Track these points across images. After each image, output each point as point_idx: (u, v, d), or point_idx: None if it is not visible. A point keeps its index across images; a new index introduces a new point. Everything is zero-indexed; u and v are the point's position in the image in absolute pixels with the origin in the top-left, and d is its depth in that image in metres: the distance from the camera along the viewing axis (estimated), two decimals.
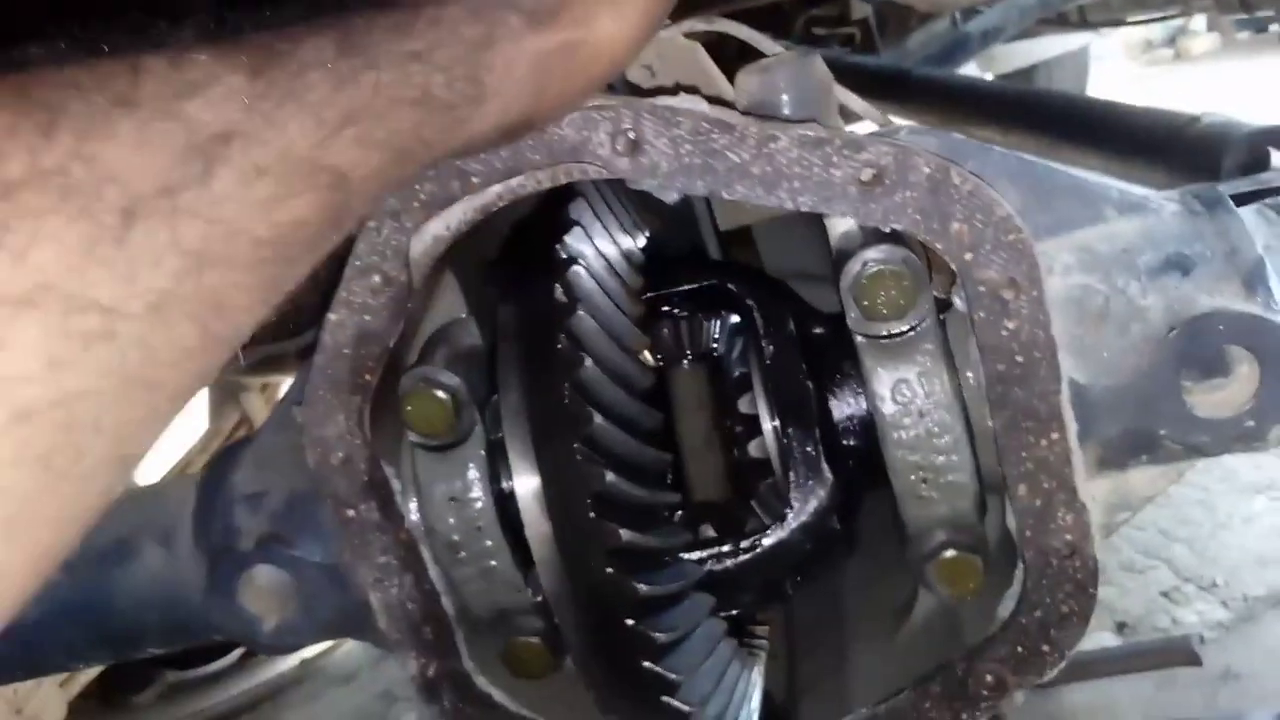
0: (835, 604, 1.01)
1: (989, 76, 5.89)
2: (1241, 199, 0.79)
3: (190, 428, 2.18)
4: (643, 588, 0.65)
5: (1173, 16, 2.50)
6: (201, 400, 2.25)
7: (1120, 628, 1.88)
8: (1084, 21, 3.12)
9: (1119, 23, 2.89)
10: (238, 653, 1.93)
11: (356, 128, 0.49)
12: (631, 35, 0.63)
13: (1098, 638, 1.86)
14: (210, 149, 0.44)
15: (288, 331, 1.32)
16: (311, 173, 0.47)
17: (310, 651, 1.80)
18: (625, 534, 0.64)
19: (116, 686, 1.79)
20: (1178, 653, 1.67)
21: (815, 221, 0.96)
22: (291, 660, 1.80)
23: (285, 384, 2.13)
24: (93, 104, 0.41)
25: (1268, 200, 0.77)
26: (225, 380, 2.12)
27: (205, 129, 0.44)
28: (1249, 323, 0.68)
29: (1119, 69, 7.83)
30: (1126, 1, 2.81)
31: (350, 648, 1.76)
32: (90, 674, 1.57)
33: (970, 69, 3.76)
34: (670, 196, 0.70)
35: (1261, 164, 1.59)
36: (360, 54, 0.50)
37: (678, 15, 0.96)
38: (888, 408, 0.72)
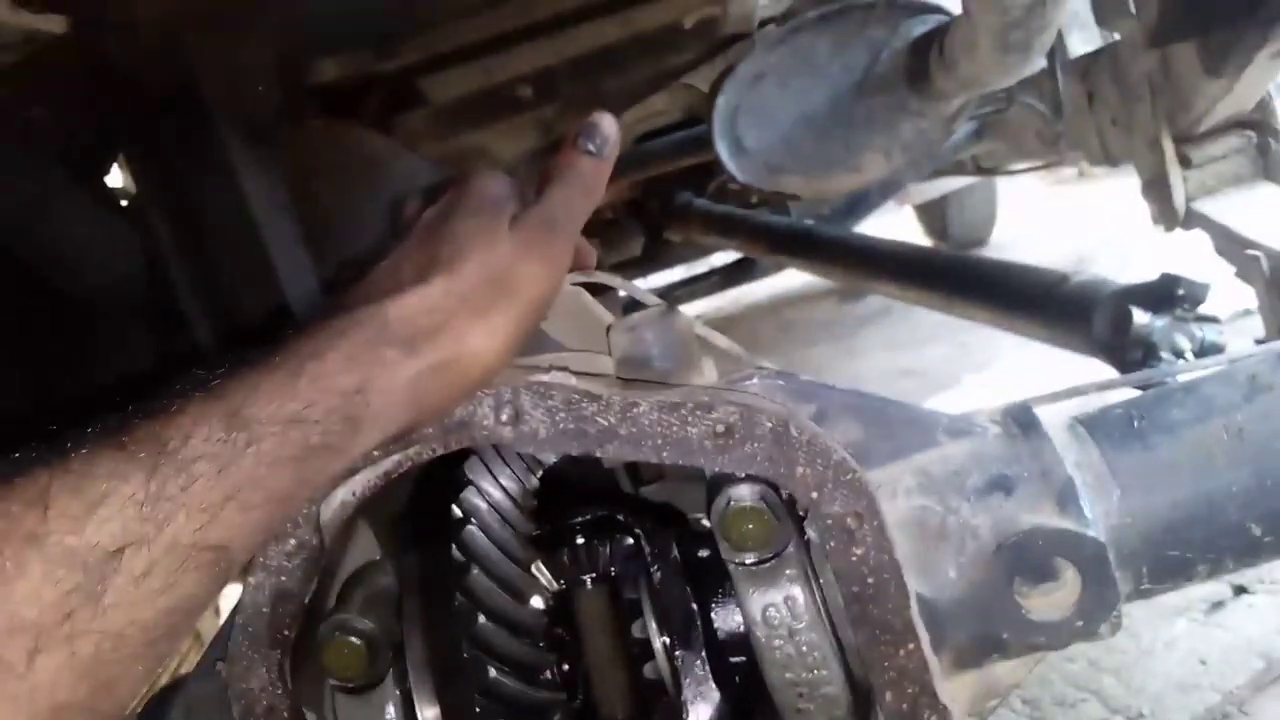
0: None
1: (906, 208, 6.21)
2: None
3: None
4: None
5: (1049, 165, 2.73)
6: None
7: None
8: (978, 169, 3.36)
9: (1004, 170, 3.12)
10: None
11: (238, 500, 0.56)
12: (503, 347, 0.72)
13: None
14: (105, 565, 0.49)
15: None
16: (195, 554, 0.53)
17: None
18: None
19: None
20: None
21: None
22: None
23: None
24: (6, 551, 0.47)
25: (1080, 416, 0.88)
26: None
27: (102, 547, 0.50)
28: (1064, 537, 0.78)
29: (1026, 188, 8.26)
30: (1009, 152, 3.05)
31: None
32: None
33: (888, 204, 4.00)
34: (549, 458, 0.78)
35: (1125, 321, 1.75)
36: (243, 428, 0.57)
37: None
38: (760, 630, 0.80)
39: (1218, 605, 2.26)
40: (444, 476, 0.86)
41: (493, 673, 0.72)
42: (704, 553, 0.90)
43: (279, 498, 0.59)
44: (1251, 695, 1.91)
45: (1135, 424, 0.84)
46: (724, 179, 3.46)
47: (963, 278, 2.13)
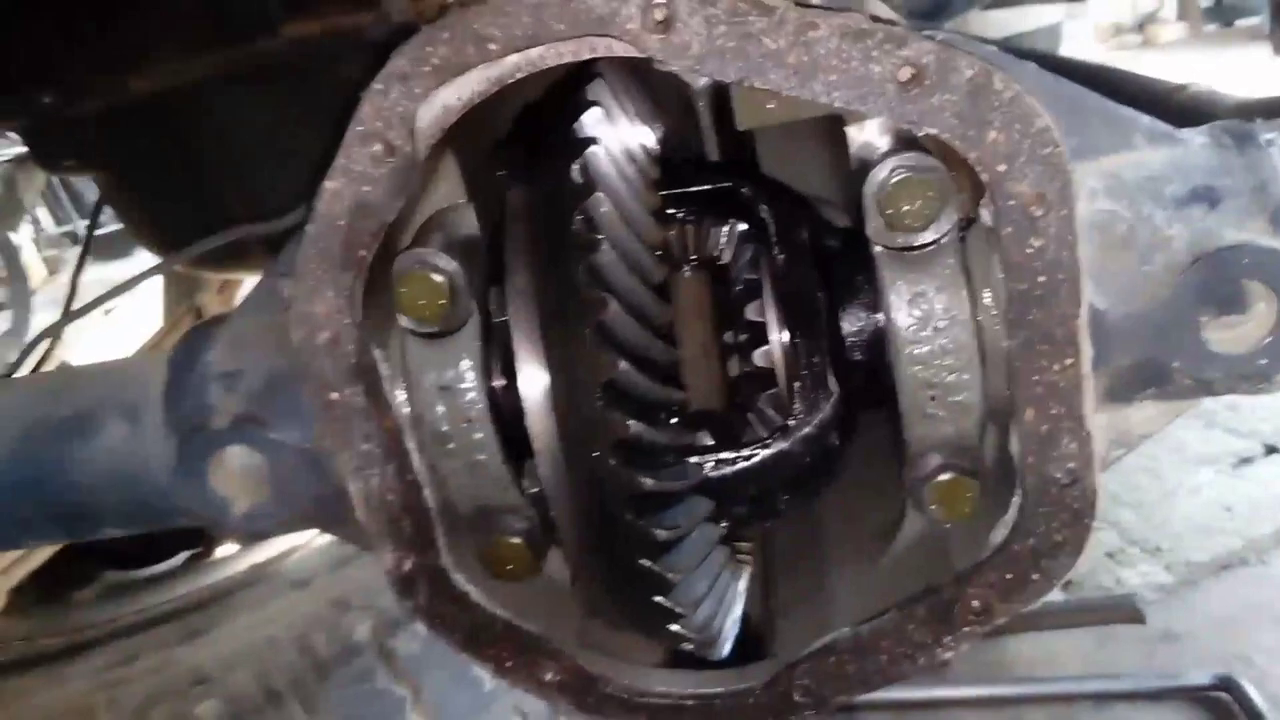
0: (813, 530, 1.01)
1: None
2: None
3: (144, 326, 2.10)
4: (648, 481, 0.63)
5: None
6: (156, 294, 2.17)
7: (1065, 584, 1.92)
8: None
9: None
10: (182, 556, 1.89)
11: None
12: None
13: None
14: None
15: (257, 214, 1.27)
16: None
17: (261, 556, 1.76)
18: (634, 425, 0.62)
19: (55, 582, 1.74)
20: (1122, 610, 1.70)
21: (824, 140, 0.94)
22: (240, 564, 1.77)
23: (246, 282, 2.06)
24: None
25: None
26: (181, 277, 2.04)
27: None
28: (1273, 259, 0.68)
29: (1087, 50, 7.88)
30: None
31: (304, 554, 1.73)
32: (30, 566, 1.52)
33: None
34: (698, 81, 0.66)
35: None
36: None
37: None
38: (903, 321, 0.70)
39: (1246, 460, 2.22)
40: (554, 110, 0.74)
41: (613, 305, 0.62)
42: (831, 242, 0.80)
43: None
44: (1274, 546, 1.88)
45: None
46: None
47: (1070, 77, 1.96)
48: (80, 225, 10.72)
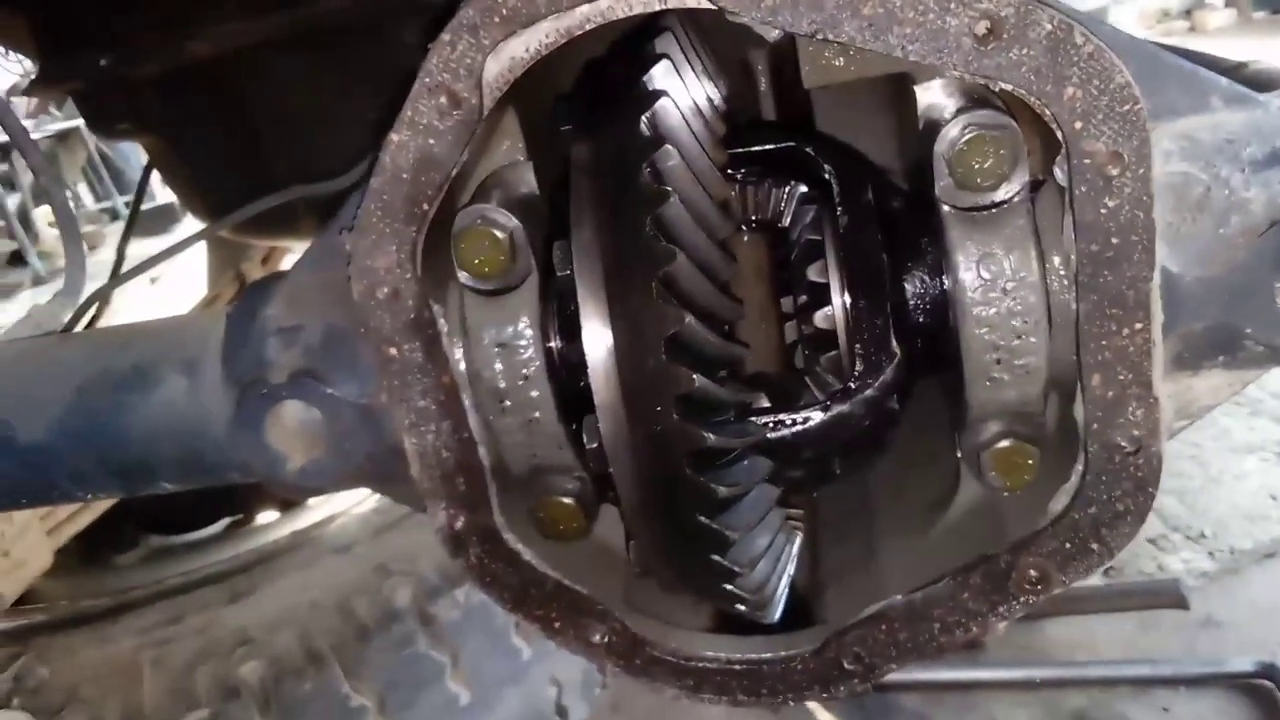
0: (861, 497, 1.00)
1: None
2: None
3: (188, 298, 2.12)
4: (710, 437, 0.62)
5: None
6: (199, 266, 2.19)
7: (1106, 569, 1.90)
8: None
9: None
10: (224, 522, 1.91)
11: None
12: None
13: None
14: None
15: (308, 180, 1.28)
16: None
17: (303, 522, 1.78)
18: (698, 380, 0.61)
19: (100, 545, 1.77)
20: (1165, 595, 1.68)
21: (884, 104, 0.92)
22: (283, 530, 1.79)
23: (289, 253, 2.07)
24: None
25: None
26: (226, 245, 2.05)
27: None
28: None
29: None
30: None
31: (346, 521, 1.75)
32: (76, 527, 1.54)
33: None
34: (771, 34, 0.65)
35: None
36: None
37: None
38: (971, 282, 0.69)
39: None
40: (620, 64, 0.74)
41: (680, 258, 0.61)
42: (895, 203, 0.79)
43: None
44: None
45: None
46: None
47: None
48: (120, 201, 10.84)
